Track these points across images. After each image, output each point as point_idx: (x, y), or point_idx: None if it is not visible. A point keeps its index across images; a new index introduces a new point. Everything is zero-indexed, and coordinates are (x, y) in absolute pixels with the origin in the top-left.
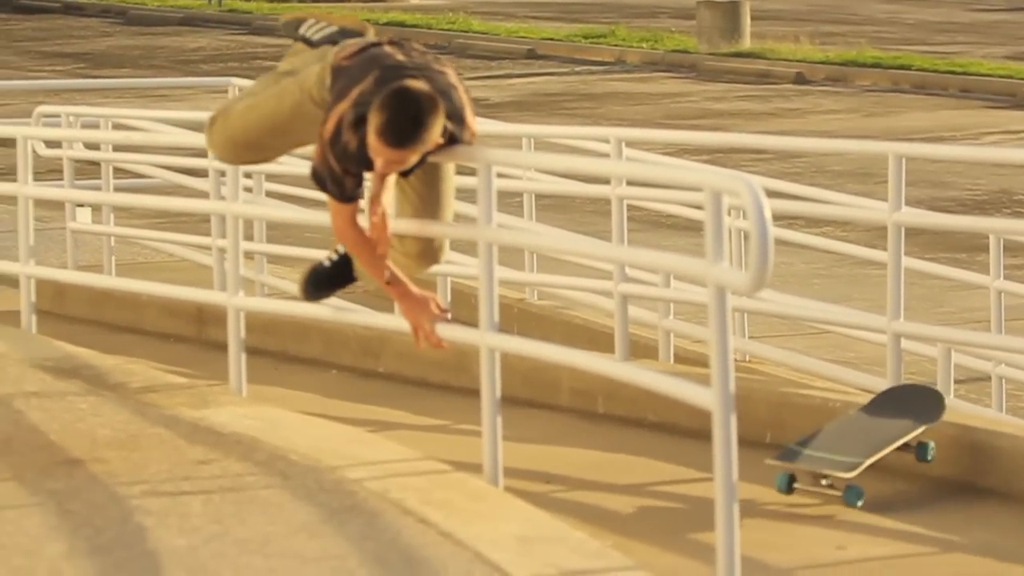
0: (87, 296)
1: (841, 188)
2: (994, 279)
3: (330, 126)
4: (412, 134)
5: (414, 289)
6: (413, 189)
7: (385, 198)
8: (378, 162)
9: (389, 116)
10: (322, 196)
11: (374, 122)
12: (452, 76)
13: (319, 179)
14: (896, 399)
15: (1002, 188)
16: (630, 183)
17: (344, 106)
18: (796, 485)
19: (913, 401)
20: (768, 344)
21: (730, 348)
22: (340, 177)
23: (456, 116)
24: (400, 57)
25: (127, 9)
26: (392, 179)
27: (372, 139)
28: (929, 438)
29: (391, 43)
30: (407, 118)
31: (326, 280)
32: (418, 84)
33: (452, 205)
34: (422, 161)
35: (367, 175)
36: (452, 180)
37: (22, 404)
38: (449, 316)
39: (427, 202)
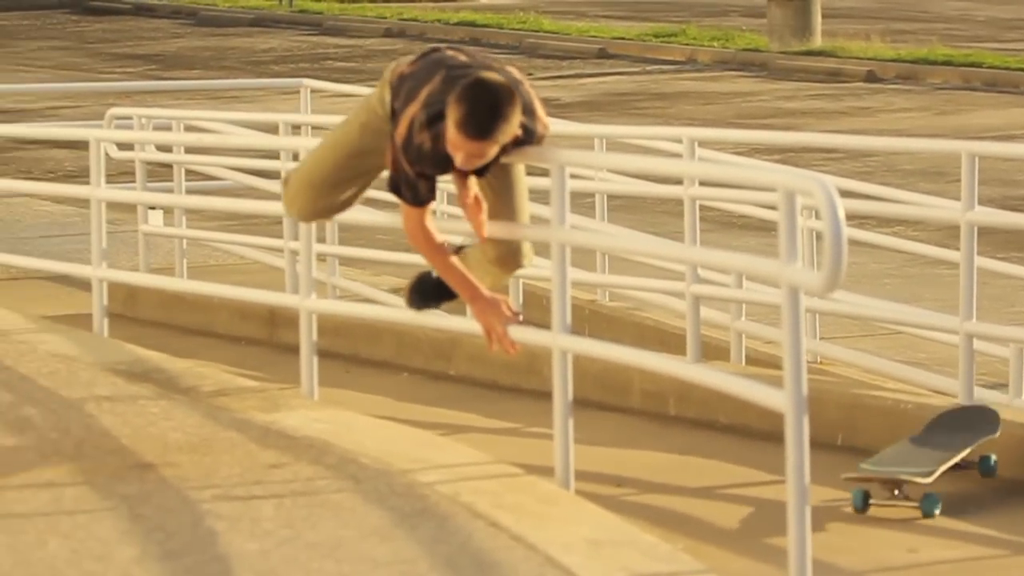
0: (159, 299)
1: (912, 187)
2: None
3: (402, 129)
4: (492, 124)
5: (486, 292)
6: (491, 189)
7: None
8: (458, 157)
9: (468, 108)
10: (395, 198)
11: (453, 115)
12: (516, 72)
13: (394, 185)
14: (951, 421)
15: None
16: (703, 183)
17: (414, 108)
18: (871, 502)
19: (969, 420)
20: (839, 345)
21: (803, 349)
22: (414, 181)
23: (528, 109)
24: (463, 58)
25: (198, 10)
26: (473, 179)
27: (452, 133)
28: (991, 450)
29: (450, 47)
30: (486, 108)
31: (433, 290)
32: (494, 75)
33: (528, 207)
34: (496, 160)
35: (442, 178)
36: (525, 181)
37: (93, 408)
38: (520, 318)
39: (504, 203)
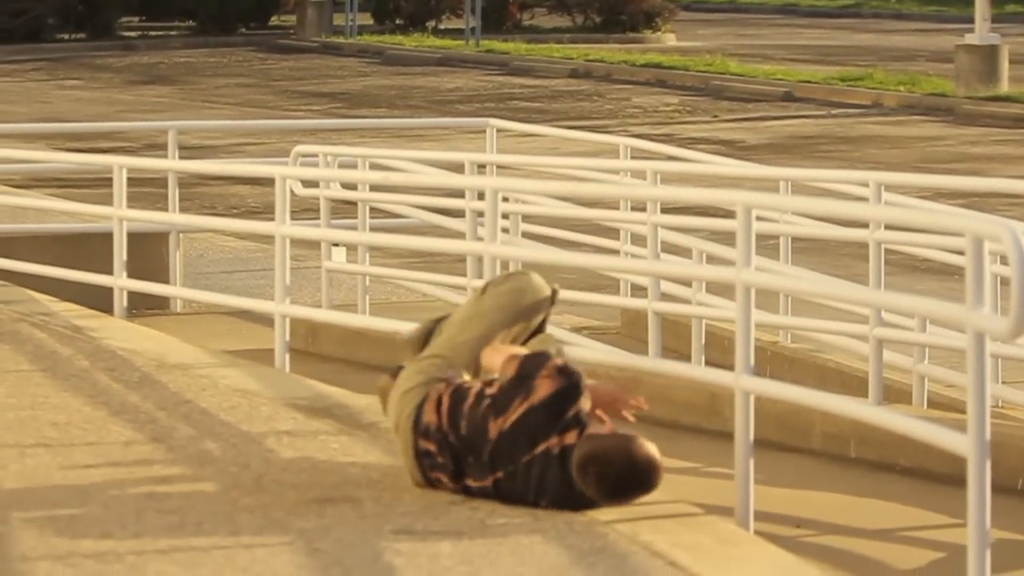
0: (340, 335)
1: None
2: None
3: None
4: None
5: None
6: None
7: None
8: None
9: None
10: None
11: None
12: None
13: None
14: None
15: None
16: (888, 227)
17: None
18: None
19: None
20: (1021, 389)
21: (987, 394)
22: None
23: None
24: None
25: (384, 49)
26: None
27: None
28: None
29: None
30: None
31: None
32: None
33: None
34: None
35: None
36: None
37: (274, 443)
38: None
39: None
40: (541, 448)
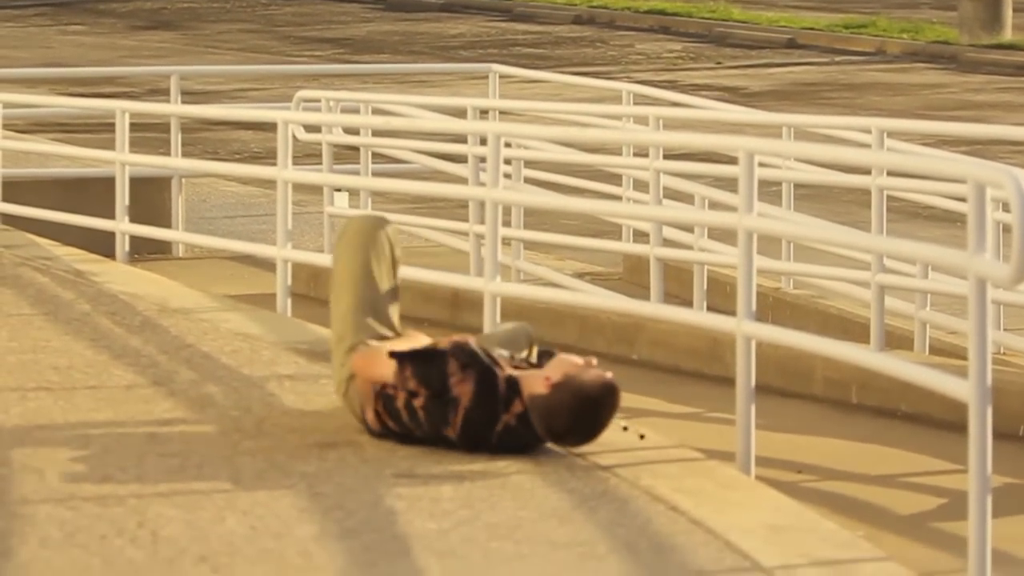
0: None
1: None
2: None
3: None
4: None
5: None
6: None
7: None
8: None
9: None
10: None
11: None
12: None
13: None
14: None
15: None
16: (891, 173)
17: None
18: None
19: None
20: (1022, 336)
21: (988, 340)
22: None
23: None
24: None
25: None
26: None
27: None
28: None
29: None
30: None
31: None
32: None
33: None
34: None
35: None
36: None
37: (275, 387)
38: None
39: None
40: (501, 427)
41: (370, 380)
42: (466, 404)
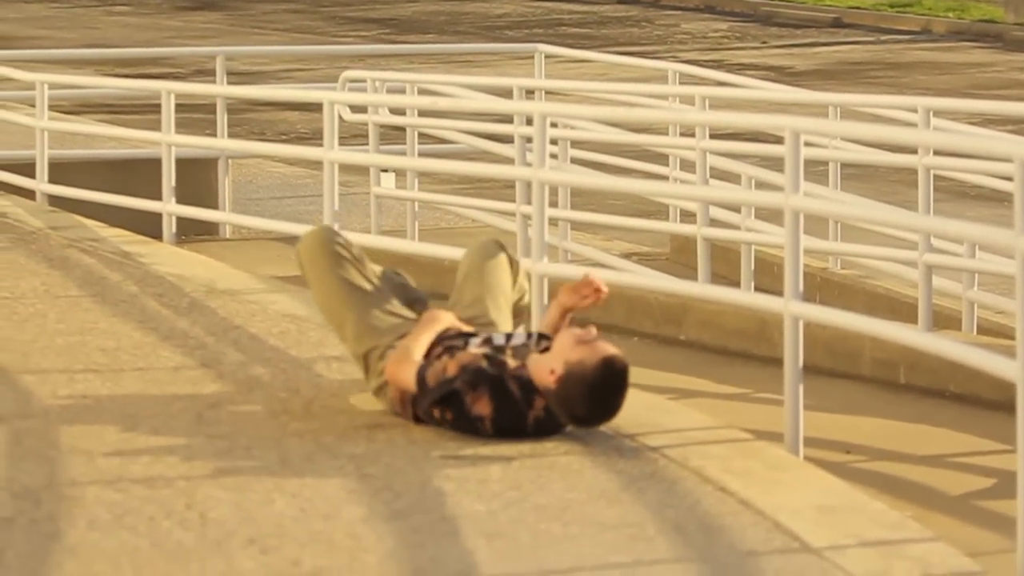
0: (389, 261)
1: None
2: None
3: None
4: None
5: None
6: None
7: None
8: None
9: None
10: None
11: None
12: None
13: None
14: None
15: None
16: (937, 153)
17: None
18: None
19: None
20: None
21: None
22: None
23: None
24: None
25: None
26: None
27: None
28: None
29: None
30: None
31: None
32: None
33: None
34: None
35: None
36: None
37: (323, 368)
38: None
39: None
40: (531, 421)
41: (400, 390)
42: (491, 416)
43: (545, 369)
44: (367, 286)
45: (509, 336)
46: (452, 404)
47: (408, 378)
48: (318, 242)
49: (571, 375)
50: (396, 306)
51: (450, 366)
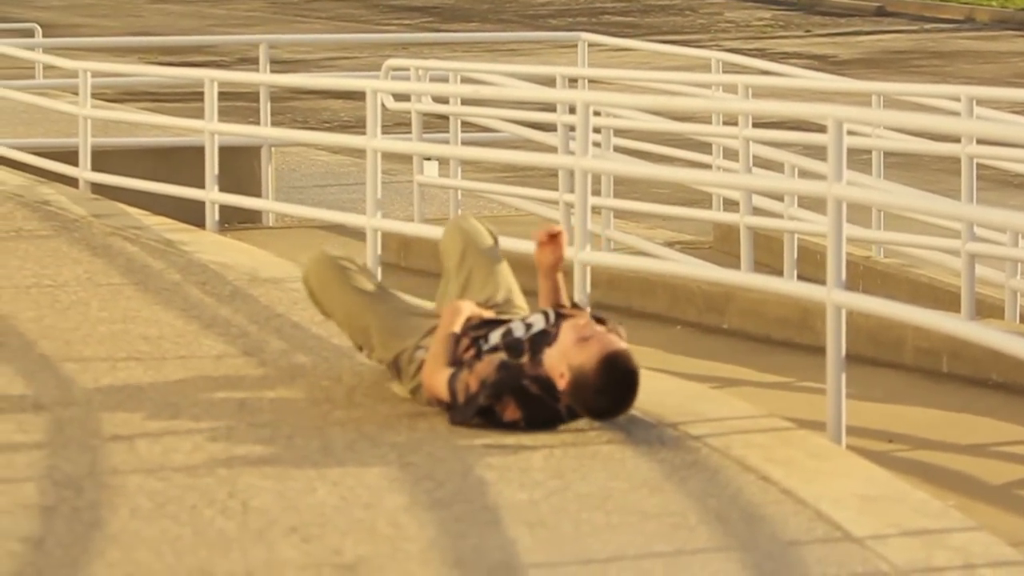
0: (432, 249)
1: None
2: None
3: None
4: None
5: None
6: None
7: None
8: None
9: None
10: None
11: None
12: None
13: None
14: None
15: None
16: (980, 141)
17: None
18: None
19: None
20: None
21: None
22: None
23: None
24: None
25: None
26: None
27: None
28: None
29: None
30: None
31: None
32: None
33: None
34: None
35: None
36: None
37: (365, 357)
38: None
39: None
40: (564, 411)
41: (434, 396)
42: (523, 418)
43: (556, 372)
44: (380, 292)
45: (528, 325)
46: (486, 416)
47: (441, 389)
48: (322, 262)
49: (576, 380)
50: (412, 304)
51: (471, 382)
